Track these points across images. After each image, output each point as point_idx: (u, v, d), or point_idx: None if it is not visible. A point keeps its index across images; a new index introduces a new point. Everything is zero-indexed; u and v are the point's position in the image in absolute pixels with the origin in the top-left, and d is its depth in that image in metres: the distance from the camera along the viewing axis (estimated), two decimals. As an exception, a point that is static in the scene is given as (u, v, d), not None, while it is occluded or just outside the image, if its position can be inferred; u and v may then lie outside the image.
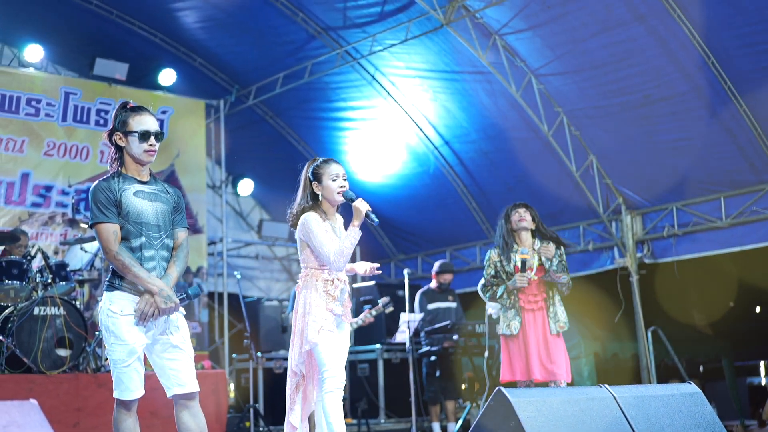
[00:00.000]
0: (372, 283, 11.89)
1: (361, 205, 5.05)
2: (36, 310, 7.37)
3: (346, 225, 5.20)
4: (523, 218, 6.69)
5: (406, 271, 9.70)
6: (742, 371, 16.19)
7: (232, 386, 10.19)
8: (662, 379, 11.55)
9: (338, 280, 5.21)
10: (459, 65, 10.89)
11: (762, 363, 15.77)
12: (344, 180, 5.23)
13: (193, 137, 12.16)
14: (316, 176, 5.28)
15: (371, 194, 13.35)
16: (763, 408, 10.27)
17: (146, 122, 4.48)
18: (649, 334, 10.93)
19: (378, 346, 10.31)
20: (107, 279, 4.49)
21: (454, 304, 9.82)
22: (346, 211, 5.28)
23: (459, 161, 12.10)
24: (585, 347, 11.54)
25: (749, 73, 9.21)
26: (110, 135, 4.51)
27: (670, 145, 10.24)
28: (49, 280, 7.74)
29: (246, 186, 13.33)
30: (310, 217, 5.14)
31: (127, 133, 4.45)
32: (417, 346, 9.42)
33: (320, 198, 5.25)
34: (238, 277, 8.83)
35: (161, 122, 11.75)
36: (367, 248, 13.96)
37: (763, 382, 15.16)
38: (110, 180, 4.43)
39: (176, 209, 4.58)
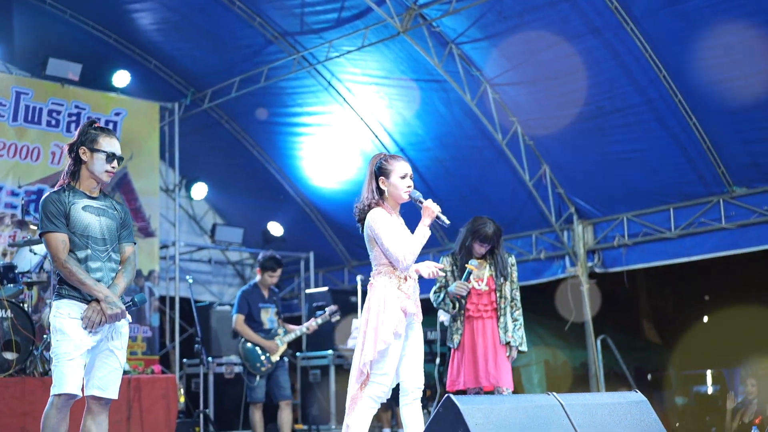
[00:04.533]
0: (325, 289, 11.89)
1: (433, 206, 5.02)
2: (-17, 313, 7.27)
3: (407, 225, 5.16)
4: (482, 253, 6.65)
5: (359, 278, 9.75)
6: (689, 380, 16.44)
7: (182, 391, 10.11)
8: (611, 387, 11.68)
9: (410, 278, 5.14)
10: (415, 73, 10.94)
11: (709, 372, 16.02)
12: (411, 180, 5.17)
13: (147, 140, 12.05)
14: (383, 172, 5.16)
15: (326, 200, 13.37)
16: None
17: (115, 145, 4.73)
18: (599, 343, 11.07)
19: (330, 352, 10.30)
20: (56, 288, 4.64)
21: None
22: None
23: (414, 169, 12.09)
24: (535, 355, 11.66)
25: (700, 87, 9.36)
26: (72, 147, 4.69)
27: (622, 156, 10.37)
28: (-3, 282, 7.64)
29: (200, 190, 13.24)
30: (378, 215, 5.05)
31: (94, 150, 4.66)
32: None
33: (386, 194, 5.15)
34: (190, 281, 8.78)
35: (114, 124, 11.64)
36: (321, 253, 13.97)
37: (710, 391, 15.40)
38: (61, 192, 4.64)
39: (123, 225, 4.81)
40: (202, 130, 13.19)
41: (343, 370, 10.27)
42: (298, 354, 10.77)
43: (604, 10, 9.09)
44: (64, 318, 4.53)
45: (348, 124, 12.13)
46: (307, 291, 12.30)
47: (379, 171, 5.18)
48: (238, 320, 8.46)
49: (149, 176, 12.05)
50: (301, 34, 11.24)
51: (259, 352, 8.35)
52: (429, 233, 5.04)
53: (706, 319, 17.76)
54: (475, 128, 11.07)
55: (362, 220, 5.16)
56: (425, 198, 5.13)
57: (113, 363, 4.67)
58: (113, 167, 4.72)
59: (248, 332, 8.39)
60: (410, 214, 5.26)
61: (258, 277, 8.66)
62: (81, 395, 4.55)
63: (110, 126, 11.47)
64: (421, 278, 5.30)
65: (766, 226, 9.82)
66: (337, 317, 8.93)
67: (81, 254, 4.59)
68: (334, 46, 10.95)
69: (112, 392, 4.66)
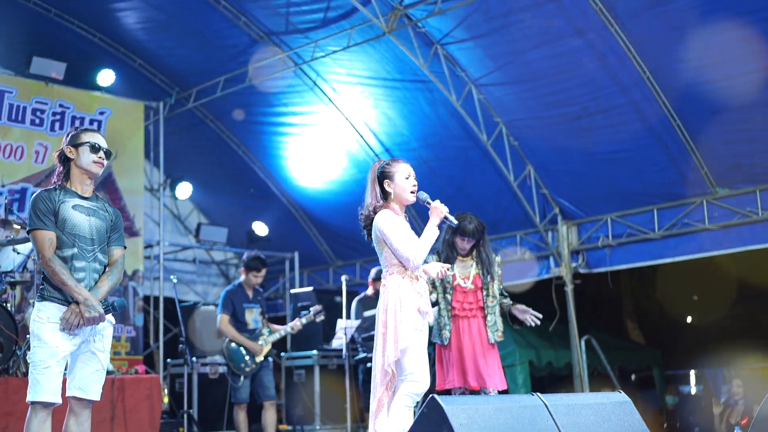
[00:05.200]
0: (310, 289, 11.88)
1: (441, 206, 5.05)
2: (-35, 312, 7.23)
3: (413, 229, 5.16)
4: (465, 248, 6.69)
5: (344, 278, 9.73)
6: (673, 380, 16.52)
7: (166, 391, 10.08)
8: (595, 387, 11.73)
9: (421, 277, 5.16)
10: (401, 73, 10.94)
11: (692, 372, 16.11)
12: (415, 180, 5.19)
13: (132, 139, 11.99)
14: (387, 175, 5.19)
15: (311, 200, 13.37)
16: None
17: (97, 138, 4.83)
18: (583, 343, 11.11)
19: (314, 352, 10.30)
20: (39, 288, 4.69)
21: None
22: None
23: None
24: (520, 355, 11.67)
25: (684, 89, 9.42)
26: (60, 153, 4.81)
27: (606, 157, 10.41)
28: (-21, 282, 7.59)
29: (184, 189, 13.20)
30: (386, 215, 5.07)
31: (78, 145, 4.75)
32: (354, 353, 9.44)
33: (391, 196, 5.16)
34: (174, 281, 8.75)
35: (99, 123, 11.59)
36: (306, 253, 13.96)
37: (693, 391, 15.49)
38: (51, 191, 4.71)
39: (114, 228, 4.85)
40: (187, 129, 13.16)
41: (328, 370, 10.27)
42: (282, 354, 10.75)
43: (588, 11, 9.12)
44: (43, 323, 4.56)
45: (333, 124, 12.13)
46: (292, 291, 12.29)
47: (382, 175, 5.19)
48: (222, 320, 8.44)
49: (134, 175, 12.01)
50: (286, 33, 11.23)
51: (244, 352, 8.33)
52: (437, 233, 5.06)
53: (689, 319, 17.87)
54: (460, 128, 11.08)
55: (368, 227, 5.17)
56: (432, 199, 5.14)
57: (95, 365, 4.70)
58: (100, 157, 4.78)
59: (233, 332, 8.37)
60: (418, 212, 5.26)
61: (242, 277, 8.65)
62: (59, 402, 4.57)
63: (94, 125, 11.45)
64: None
65: (748, 227, 9.89)
66: (322, 317, 8.92)
67: (67, 252, 4.63)
68: (319, 46, 10.95)
69: (94, 393, 4.69)
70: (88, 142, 4.78)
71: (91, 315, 4.57)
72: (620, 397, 4.97)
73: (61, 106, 11.33)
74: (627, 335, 19.98)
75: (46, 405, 4.53)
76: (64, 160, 4.80)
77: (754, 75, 8.93)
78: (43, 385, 4.49)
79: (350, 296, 9.73)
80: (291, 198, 13.61)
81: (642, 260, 10.86)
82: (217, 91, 11.94)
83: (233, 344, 8.36)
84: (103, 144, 4.84)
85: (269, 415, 8.39)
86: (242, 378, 8.29)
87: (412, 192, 5.14)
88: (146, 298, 12.22)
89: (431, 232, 5.02)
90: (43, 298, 4.63)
